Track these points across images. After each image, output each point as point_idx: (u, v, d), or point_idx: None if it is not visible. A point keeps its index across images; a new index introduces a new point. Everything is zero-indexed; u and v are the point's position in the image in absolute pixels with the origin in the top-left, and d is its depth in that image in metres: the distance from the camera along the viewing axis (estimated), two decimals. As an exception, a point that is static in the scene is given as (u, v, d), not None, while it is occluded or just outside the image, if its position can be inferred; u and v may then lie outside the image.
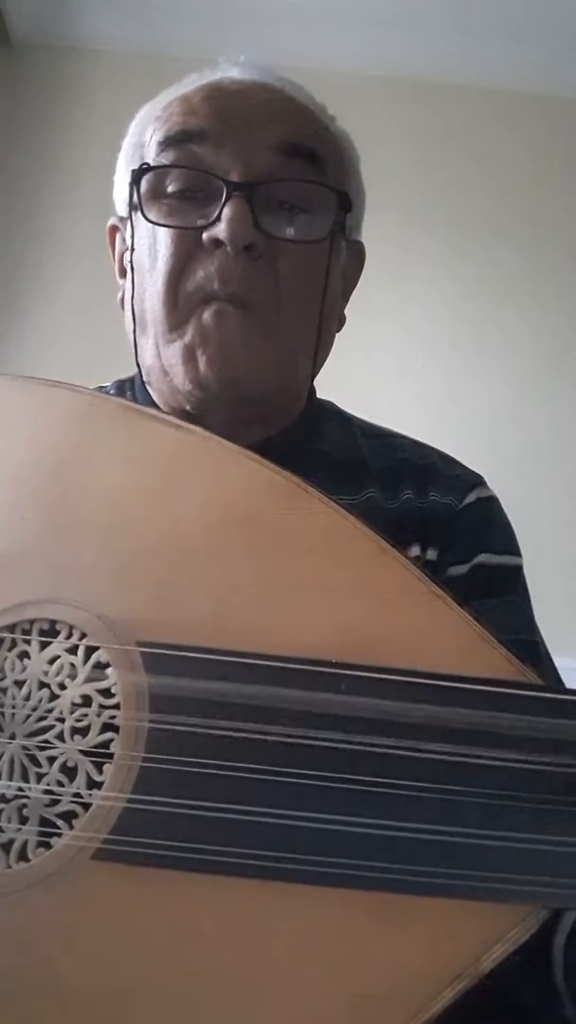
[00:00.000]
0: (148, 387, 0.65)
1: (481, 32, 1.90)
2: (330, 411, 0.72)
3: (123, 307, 0.66)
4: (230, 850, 0.40)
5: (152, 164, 0.61)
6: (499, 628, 0.59)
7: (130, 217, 0.63)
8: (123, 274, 0.66)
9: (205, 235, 0.58)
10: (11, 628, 0.47)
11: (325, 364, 0.68)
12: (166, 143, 0.61)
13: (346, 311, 0.70)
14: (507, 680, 0.40)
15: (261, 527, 0.47)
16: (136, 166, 0.62)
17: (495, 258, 2.00)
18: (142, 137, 0.63)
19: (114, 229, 0.68)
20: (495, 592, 0.65)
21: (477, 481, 0.70)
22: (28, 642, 0.47)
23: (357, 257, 0.70)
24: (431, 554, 0.65)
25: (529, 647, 0.64)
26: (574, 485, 1.85)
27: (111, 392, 0.69)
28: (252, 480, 0.48)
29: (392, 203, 1.95)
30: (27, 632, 0.47)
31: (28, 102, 1.99)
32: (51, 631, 0.47)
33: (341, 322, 0.69)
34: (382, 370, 1.84)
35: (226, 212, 0.57)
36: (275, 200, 0.59)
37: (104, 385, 0.70)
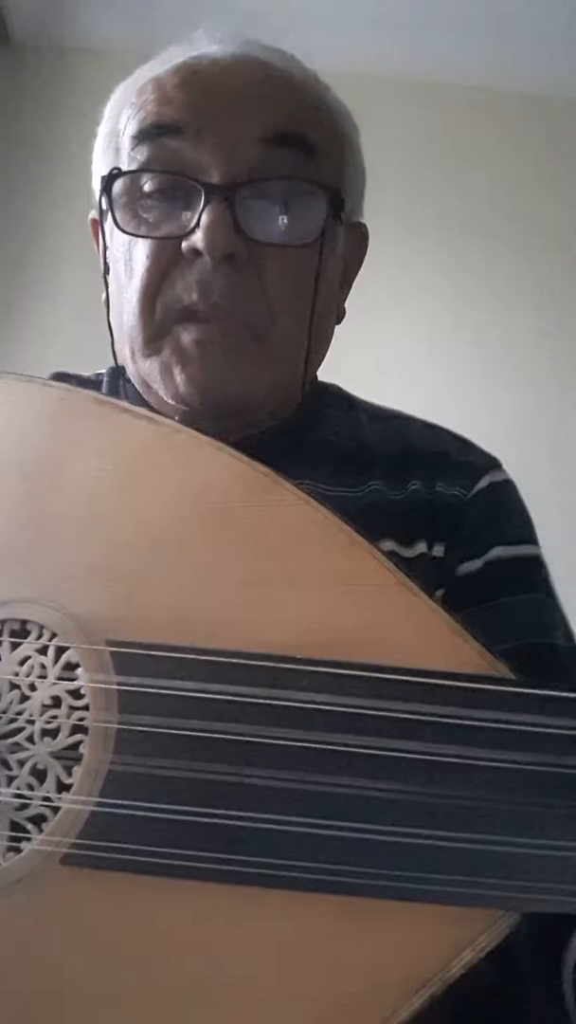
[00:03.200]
0: (141, 391, 0.62)
1: (481, 33, 1.88)
2: (334, 396, 0.68)
3: (107, 307, 0.62)
4: (198, 854, 0.39)
5: (124, 169, 0.57)
6: (518, 630, 0.57)
7: (103, 219, 0.60)
8: (107, 270, 0.63)
9: (184, 244, 0.54)
10: (-19, 629, 0.46)
11: (325, 364, 0.66)
12: (140, 137, 0.56)
13: (346, 311, 0.66)
14: (476, 675, 0.38)
15: (231, 520, 0.46)
16: (111, 159, 0.58)
17: (495, 258, 1.98)
18: (116, 124, 0.59)
19: (96, 222, 0.64)
20: (513, 589, 0.60)
21: (490, 465, 0.65)
22: (-2, 643, 0.46)
23: (359, 241, 0.66)
24: (438, 550, 0.61)
25: (556, 652, 0.58)
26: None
27: (105, 380, 0.67)
28: (223, 472, 0.47)
29: (392, 203, 1.93)
30: (-3, 633, 0.46)
31: (28, 102, 1.99)
32: (22, 631, 0.46)
33: (341, 315, 0.65)
34: (381, 370, 1.82)
35: (204, 219, 0.53)
36: (259, 195, 0.55)
37: (100, 372, 0.67)
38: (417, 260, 1.97)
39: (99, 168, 0.62)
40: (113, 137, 0.60)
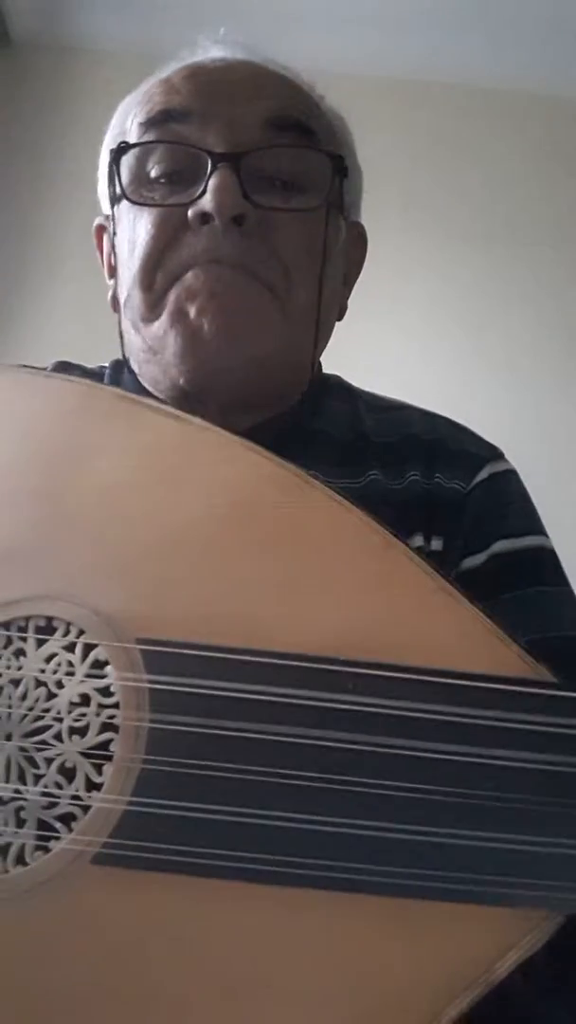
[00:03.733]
0: (141, 379, 0.62)
1: (480, 33, 1.88)
2: (334, 386, 0.68)
3: (113, 307, 0.62)
4: (234, 854, 0.38)
5: (131, 143, 0.57)
6: (525, 625, 0.54)
7: (113, 212, 0.59)
8: (111, 274, 0.63)
9: (190, 212, 0.55)
10: (6, 625, 0.45)
11: (325, 364, 0.66)
12: (147, 124, 0.57)
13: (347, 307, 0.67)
14: (519, 678, 0.38)
15: (263, 521, 0.46)
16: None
17: (494, 259, 1.98)
18: (123, 126, 0.60)
19: (101, 229, 0.65)
20: (520, 583, 0.59)
21: (490, 455, 0.64)
22: (24, 639, 0.45)
23: (358, 240, 0.66)
24: (436, 544, 0.60)
25: (561, 644, 0.57)
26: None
27: (108, 372, 0.66)
28: (253, 472, 0.47)
29: (391, 203, 1.94)
30: (23, 629, 0.45)
31: (28, 102, 1.97)
32: (48, 628, 0.46)
33: (342, 311, 0.66)
34: (380, 370, 1.82)
35: (212, 182, 0.54)
36: (264, 174, 0.56)
37: (103, 365, 0.67)
38: (416, 260, 1.97)
39: (104, 174, 0.62)
40: (119, 136, 0.60)
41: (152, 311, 0.57)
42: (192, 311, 0.55)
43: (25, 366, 0.56)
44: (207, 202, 0.54)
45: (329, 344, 0.65)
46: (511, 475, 0.65)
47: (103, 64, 1.93)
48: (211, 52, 0.61)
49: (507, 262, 1.98)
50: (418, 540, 0.60)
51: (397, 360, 1.89)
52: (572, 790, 0.37)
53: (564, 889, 0.36)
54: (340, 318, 0.66)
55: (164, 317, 0.56)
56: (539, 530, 0.63)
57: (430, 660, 0.40)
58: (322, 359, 0.65)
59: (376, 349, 1.83)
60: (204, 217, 0.54)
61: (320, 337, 0.60)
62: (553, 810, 0.37)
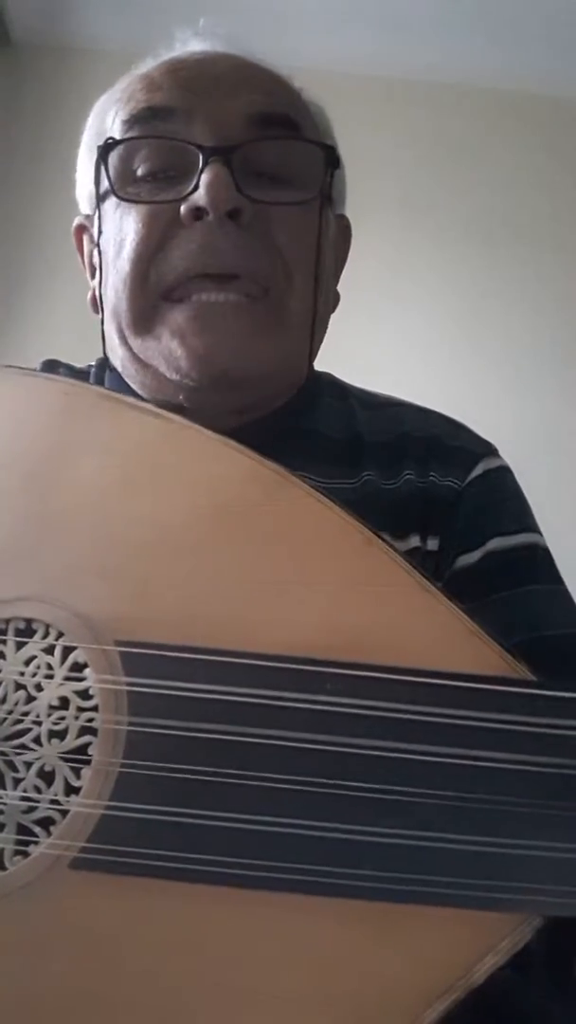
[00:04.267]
0: (128, 379, 0.61)
1: (480, 33, 1.87)
2: (327, 385, 0.67)
3: (93, 308, 0.61)
4: (212, 858, 0.38)
5: (119, 139, 0.55)
6: (517, 624, 0.55)
7: (96, 210, 0.58)
8: (92, 274, 0.62)
9: (183, 208, 0.53)
10: (-14, 628, 0.45)
11: (323, 364, 0.65)
12: (131, 121, 0.56)
13: (342, 312, 0.65)
14: (500, 677, 0.38)
15: (244, 520, 0.45)
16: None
17: (494, 258, 1.98)
18: (103, 125, 0.59)
19: (80, 229, 0.64)
20: (512, 581, 0.58)
21: (484, 452, 0.63)
22: (3, 642, 0.45)
23: (344, 233, 0.65)
24: (432, 544, 0.59)
25: (554, 643, 0.56)
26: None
27: (94, 370, 0.66)
28: (234, 470, 0.46)
29: (391, 203, 1.93)
30: (2, 632, 0.45)
31: (28, 102, 1.97)
32: (28, 630, 0.45)
33: (335, 302, 0.65)
34: (380, 370, 1.81)
35: (204, 177, 0.52)
36: (255, 168, 0.54)
37: (91, 364, 0.66)
38: (416, 260, 1.96)
39: (85, 173, 0.61)
40: (100, 136, 0.58)
41: (142, 324, 0.55)
42: (183, 349, 0.53)
43: (9, 366, 0.55)
44: (201, 197, 0.52)
45: (329, 344, 0.64)
46: (505, 471, 0.64)
47: (103, 64, 1.91)
48: (190, 45, 0.60)
49: (507, 262, 1.97)
50: (415, 540, 0.59)
51: (397, 360, 1.89)
52: (552, 791, 0.36)
53: (544, 892, 0.35)
54: (334, 309, 0.65)
55: (152, 341, 0.55)
56: (533, 527, 0.62)
57: (410, 659, 0.39)
58: (321, 359, 0.64)
59: (376, 349, 1.83)
60: (198, 212, 0.53)
61: (317, 335, 0.59)
62: (532, 811, 0.36)
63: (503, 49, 1.91)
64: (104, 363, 0.65)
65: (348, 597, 0.42)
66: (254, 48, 0.61)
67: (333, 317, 0.65)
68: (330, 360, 0.65)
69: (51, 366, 0.67)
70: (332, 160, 0.57)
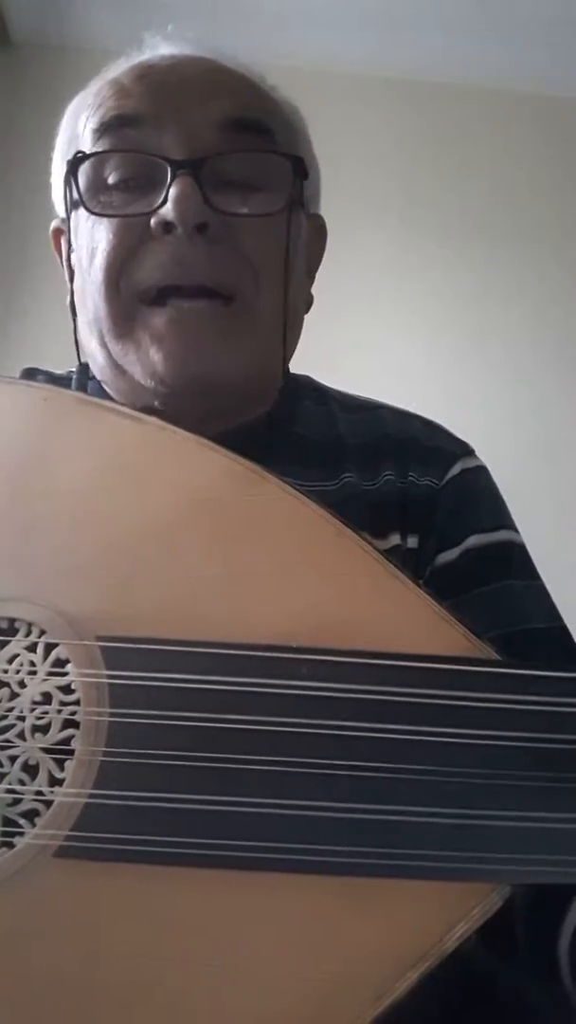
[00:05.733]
0: (104, 385, 0.62)
1: (480, 33, 1.88)
2: (306, 387, 0.68)
3: (72, 312, 0.62)
4: (192, 840, 0.39)
5: (88, 152, 0.57)
6: (495, 619, 0.57)
7: (69, 217, 0.59)
8: (71, 277, 0.63)
9: (153, 221, 0.54)
10: (-31, 628, 0.46)
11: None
12: (101, 130, 0.57)
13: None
14: (467, 657, 0.39)
15: (218, 516, 0.46)
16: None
17: (494, 259, 1.99)
18: (75, 129, 0.60)
19: (58, 232, 0.65)
20: (489, 577, 0.60)
21: (461, 451, 0.65)
22: (-13, 641, 0.46)
23: (319, 232, 0.66)
24: (412, 542, 0.61)
25: (537, 636, 0.58)
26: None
27: (75, 376, 0.67)
28: (209, 469, 0.48)
29: (390, 203, 1.95)
30: (-14, 631, 0.46)
31: (28, 102, 1.98)
32: (10, 629, 0.46)
33: (309, 303, 0.66)
34: (380, 371, 1.83)
35: (172, 191, 0.53)
36: (224, 179, 0.55)
37: (71, 370, 0.67)
38: (416, 260, 1.97)
39: (58, 179, 0.62)
40: (73, 141, 0.60)
41: (119, 327, 0.56)
42: (156, 350, 0.55)
43: (-10, 374, 0.56)
44: (169, 212, 0.53)
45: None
46: (482, 471, 0.65)
47: (103, 64, 1.92)
48: (160, 49, 0.61)
49: (507, 262, 1.99)
50: (395, 539, 0.61)
51: (397, 360, 1.90)
52: (517, 763, 0.37)
53: (513, 861, 0.37)
54: (307, 310, 0.66)
55: (130, 345, 0.56)
56: (509, 525, 0.64)
57: (381, 643, 0.41)
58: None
59: (376, 349, 1.84)
60: (167, 226, 0.54)
61: (289, 339, 0.61)
62: (498, 783, 0.37)
63: (503, 49, 1.91)
64: (85, 368, 0.66)
65: (320, 585, 0.43)
66: (245, 49, 0.62)
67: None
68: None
69: (30, 374, 0.68)
70: (300, 171, 0.58)
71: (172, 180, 0.54)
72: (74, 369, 0.68)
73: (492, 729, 0.38)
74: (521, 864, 0.36)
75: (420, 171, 2.01)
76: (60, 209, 0.63)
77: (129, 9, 1.87)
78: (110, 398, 0.62)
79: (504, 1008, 0.51)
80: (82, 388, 0.65)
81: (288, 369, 0.65)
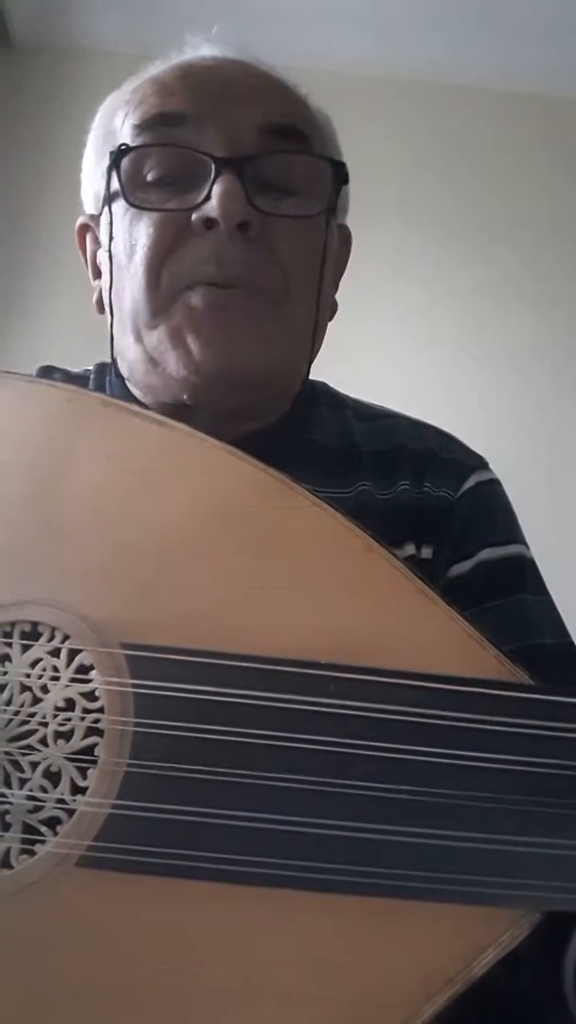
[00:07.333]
0: (130, 384, 0.61)
1: (480, 33, 1.88)
2: (322, 395, 0.68)
3: (99, 309, 0.62)
4: (218, 856, 0.39)
5: (132, 145, 0.56)
6: (506, 632, 0.55)
7: (105, 209, 0.59)
8: (96, 274, 0.63)
9: (195, 216, 0.54)
10: (-8, 631, 0.46)
11: (323, 365, 0.66)
12: (142, 127, 0.57)
13: (342, 312, 0.66)
14: (498, 680, 0.39)
15: (246, 526, 0.46)
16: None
17: (494, 258, 1.99)
18: (111, 126, 0.60)
19: (84, 229, 0.64)
20: (501, 591, 0.60)
21: (476, 464, 0.65)
22: (9, 644, 0.46)
23: (344, 242, 0.67)
24: (426, 552, 0.61)
25: (545, 652, 0.58)
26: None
27: (92, 376, 0.66)
28: (236, 477, 0.48)
29: (390, 203, 1.94)
30: (8, 635, 0.46)
31: (28, 102, 1.98)
32: (33, 633, 0.46)
33: (333, 310, 0.66)
34: (380, 371, 1.83)
35: (217, 188, 0.53)
36: (264, 180, 0.56)
37: (88, 368, 0.67)
38: (415, 260, 1.97)
39: (92, 173, 0.62)
40: (109, 137, 0.59)
41: (157, 316, 0.56)
42: (194, 338, 0.55)
43: (9, 372, 0.56)
44: (212, 208, 0.53)
45: (328, 344, 0.65)
46: (496, 484, 0.66)
47: (103, 64, 1.91)
48: (201, 50, 0.61)
49: (507, 262, 1.98)
50: (410, 549, 0.61)
51: (397, 360, 1.90)
52: (550, 790, 0.37)
53: (542, 888, 0.37)
54: (331, 317, 0.66)
55: (166, 333, 0.56)
56: (520, 539, 0.64)
57: (409, 662, 0.41)
58: (321, 360, 0.65)
59: (376, 349, 1.84)
60: (209, 223, 0.54)
61: (316, 343, 0.61)
62: (531, 810, 0.37)
63: (503, 49, 1.91)
64: (103, 368, 0.66)
65: (349, 601, 0.43)
66: (257, 50, 0.62)
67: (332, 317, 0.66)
68: (330, 360, 0.66)
69: (47, 372, 0.67)
70: (341, 176, 0.59)
71: (216, 177, 0.54)
72: (91, 368, 0.67)
73: (524, 755, 0.38)
74: (553, 892, 0.36)
75: (420, 171, 2.01)
76: (89, 206, 0.63)
77: (129, 9, 1.87)
78: (132, 398, 0.61)
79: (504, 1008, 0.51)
80: (99, 388, 0.65)
81: (308, 375, 0.65)
